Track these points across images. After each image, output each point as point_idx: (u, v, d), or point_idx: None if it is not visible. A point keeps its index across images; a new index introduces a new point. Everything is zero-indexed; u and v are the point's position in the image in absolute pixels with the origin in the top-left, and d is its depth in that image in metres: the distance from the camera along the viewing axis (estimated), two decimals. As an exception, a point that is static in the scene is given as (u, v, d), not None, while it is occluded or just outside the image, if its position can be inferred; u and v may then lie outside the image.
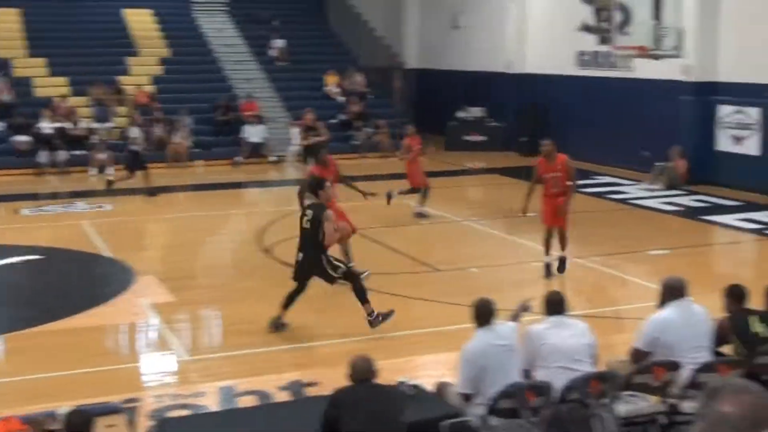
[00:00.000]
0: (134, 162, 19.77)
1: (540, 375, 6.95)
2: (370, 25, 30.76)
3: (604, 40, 22.96)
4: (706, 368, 6.97)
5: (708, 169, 19.81)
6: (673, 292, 7.41)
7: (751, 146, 19.09)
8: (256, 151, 24.52)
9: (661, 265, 13.15)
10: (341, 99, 26.94)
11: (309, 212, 10.27)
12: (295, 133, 24.05)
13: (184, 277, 13.14)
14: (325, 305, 11.39)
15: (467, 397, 6.88)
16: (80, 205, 18.72)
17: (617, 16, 22.13)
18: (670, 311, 7.31)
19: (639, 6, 21.35)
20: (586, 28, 23.67)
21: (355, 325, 10.50)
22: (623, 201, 18.59)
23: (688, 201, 18.30)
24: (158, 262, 14.52)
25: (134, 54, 27.27)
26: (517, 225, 16.58)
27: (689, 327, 7.25)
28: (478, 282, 12.67)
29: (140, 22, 28.51)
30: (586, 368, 6.96)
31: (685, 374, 7.01)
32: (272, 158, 24.40)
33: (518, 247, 15.04)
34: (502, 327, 7.09)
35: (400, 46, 31.04)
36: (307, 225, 10.24)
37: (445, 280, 12.88)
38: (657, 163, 20.05)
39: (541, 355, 6.97)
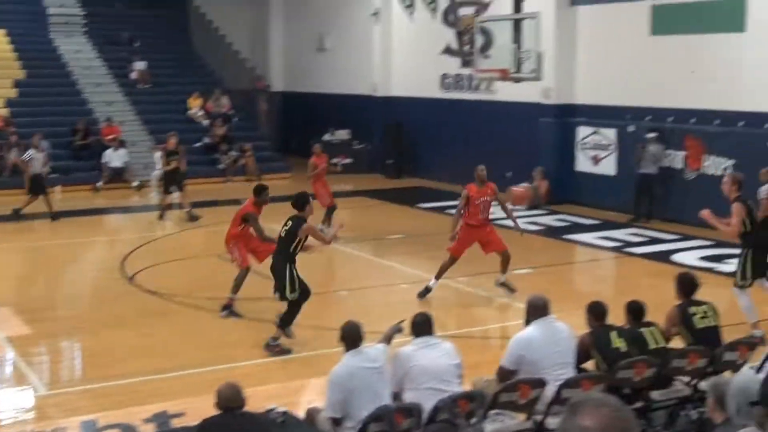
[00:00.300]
0: (36, 186, 19.00)
1: (409, 397, 6.94)
2: (234, 47, 30.53)
3: (466, 63, 23.40)
4: (569, 384, 7.10)
5: (568, 189, 20.36)
6: (536, 310, 7.53)
7: (608, 166, 19.73)
8: (118, 176, 23.90)
9: (525, 283, 13.37)
10: (206, 122, 26.57)
11: (289, 223, 10.40)
12: (158, 157, 23.56)
13: (41, 308, 12.63)
14: (190, 332, 11.15)
15: (336, 422, 6.81)
16: (-71, 234, 17.83)
17: (479, 40, 22.63)
18: (533, 329, 7.43)
19: (499, 30, 21.92)
20: (449, 52, 24.08)
21: (223, 353, 10.30)
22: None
23: (549, 220, 18.74)
24: (14, 293, 13.91)
25: (-14, 76, 26.26)
26: (385, 247, 16.65)
27: (553, 344, 7.37)
28: (347, 305, 12.64)
29: (-8, 43, 27.48)
30: (455, 388, 6.99)
31: (550, 391, 7.12)
32: (135, 183, 23.82)
33: (386, 270, 15.09)
34: (371, 350, 7.05)
35: (265, 69, 30.89)
36: (283, 234, 10.39)
37: (314, 305, 12.75)
38: (520, 184, 20.50)
39: (411, 377, 6.96)
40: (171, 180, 19.45)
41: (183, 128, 26.01)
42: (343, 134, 26.92)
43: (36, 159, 19.42)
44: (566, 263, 15.82)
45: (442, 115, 24.14)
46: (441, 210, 20.10)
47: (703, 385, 8.13)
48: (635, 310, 8.20)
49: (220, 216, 20.02)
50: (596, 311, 7.94)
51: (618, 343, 7.70)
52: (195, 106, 26.95)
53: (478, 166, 12.75)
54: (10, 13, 28.51)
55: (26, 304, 12.79)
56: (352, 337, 6.96)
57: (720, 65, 17.48)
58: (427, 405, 6.70)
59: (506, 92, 21.87)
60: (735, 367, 8.20)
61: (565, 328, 7.60)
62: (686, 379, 8.15)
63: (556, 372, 7.25)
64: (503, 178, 21.19)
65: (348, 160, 26.42)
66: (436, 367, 6.98)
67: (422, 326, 7.22)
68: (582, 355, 7.71)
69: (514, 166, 21.14)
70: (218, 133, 25.79)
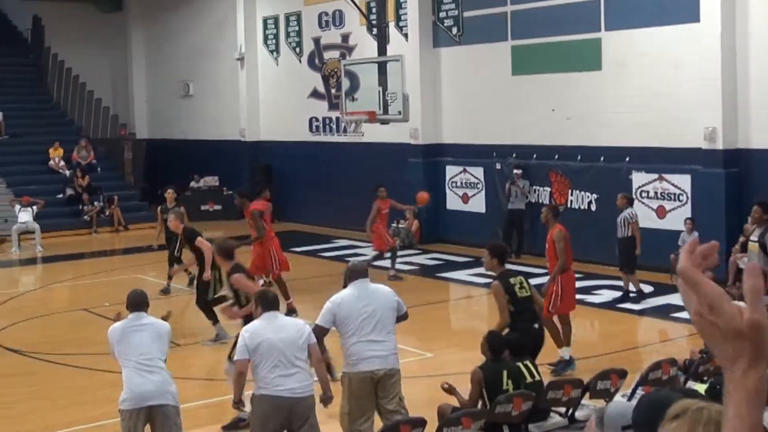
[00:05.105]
0: None
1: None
2: (96, 95, 29.82)
3: (334, 106, 23.45)
4: (448, 423, 7.07)
5: (439, 228, 20.53)
6: (354, 273, 7.83)
7: (477, 204, 20.00)
8: (-25, 231, 22.83)
9: (401, 323, 13.32)
10: (68, 172, 25.75)
11: None
12: (18, 210, 22.63)
13: None
14: (54, 390, 10.66)
15: None
16: None
17: (345, 83, 22.72)
18: (347, 290, 7.73)
19: (365, 73, 22.05)
20: (316, 95, 24.10)
21: (88, 411, 9.85)
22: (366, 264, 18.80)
23: (422, 259, 18.79)
24: None
25: None
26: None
27: (364, 302, 7.63)
28: (215, 355, 12.32)
29: None
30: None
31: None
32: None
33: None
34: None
35: (129, 116, 30.27)
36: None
37: (184, 355, 12.40)
38: (392, 224, 20.53)
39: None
40: None
41: (44, 179, 25.25)
42: (211, 180, 26.51)
43: None
44: (441, 301, 15.88)
45: (311, 158, 24.08)
46: (314, 254, 19.97)
47: (579, 415, 8.25)
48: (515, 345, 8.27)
49: (85, 269, 19.42)
50: (493, 344, 7.90)
51: (507, 384, 7.68)
52: (56, 156, 26.12)
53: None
54: None
55: None
56: (134, 302, 7.46)
57: (579, 103, 18.00)
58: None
59: (374, 134, 21.99)
60: (608, 395, 8.34)
61: (382, 288, 7.94)
62: (562, 410, 8.25)
63: (365, 330, 7.50)
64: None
65: (218, 207, 25.98)
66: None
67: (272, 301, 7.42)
68: (476, 390, 7.65)
69: (385, 207, 21.20)
70: (81, 184, 25.04)
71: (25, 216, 22.03)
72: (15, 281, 18.40)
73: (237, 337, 8.18)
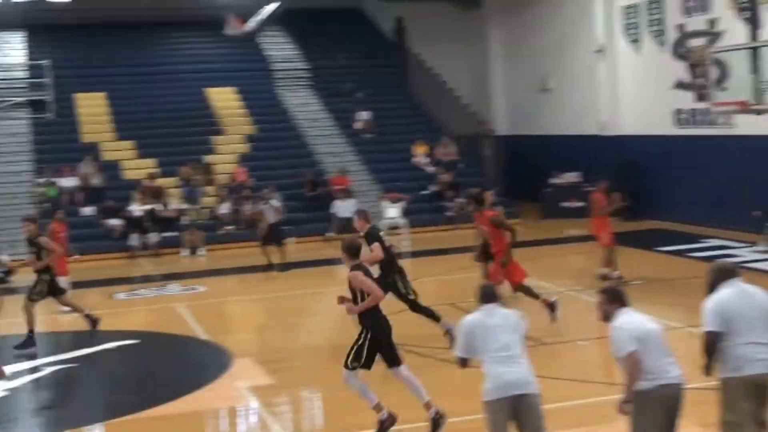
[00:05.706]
0: (271, 236, 19.74)
1: None
2: (455, 92, 30.49)
3: (701, 97, 22.23)
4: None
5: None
6: (723, 274, 7.30)
7: None
8: (348, 226, 24.10)
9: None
10: (431, 169, 26.49)
11: None
12: (386, 206, 23.60)
13: (282, 358, 12.77)
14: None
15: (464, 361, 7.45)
16: (173, 287, 18.57)
17: (713, 72, 21.45)
18: (724, 290, 7.17)
19: (735, 60, 20.69)
20: (682, 86, 22.97)
21: (460, 404, 9.84)
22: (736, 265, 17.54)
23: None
24: (255, 343, 14.22)
25: (219, 133, 27.38)
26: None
27: (747, 303, 7.11)
28: (586, 355, 11.96)
29: (224, 100, 28.72)
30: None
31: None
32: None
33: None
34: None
35: (487, 113, 30.63)
36: None
37: (552, 354, 12.15)
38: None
39: None
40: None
41: (408, 176, 26.19)
42: (572, 177, 26.10)
43: (268, 210, 20.03)
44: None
45: (677, 152, 22.98)
46: (681, 254, 18.96)
47: None
48: None
49: (450, 264, 19.81)
50: None
51: None
52: (420, 153, 26.99)
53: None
54: (239, 71, 29.83)
55: (267, 354, 12.96)
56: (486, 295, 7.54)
57: None
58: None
59: (747, 125, 20.53)
60: None
61: (757, 289, 7.25)
62: None
63: (752, 331, 6.97)
64: (751, 217, 19.81)
65: (579, 204, 25.42)
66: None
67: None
68: None
69: (762, 205, 19.66)
70: (444, 180, 25.65)
71: (393, 212, 23.02)
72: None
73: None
